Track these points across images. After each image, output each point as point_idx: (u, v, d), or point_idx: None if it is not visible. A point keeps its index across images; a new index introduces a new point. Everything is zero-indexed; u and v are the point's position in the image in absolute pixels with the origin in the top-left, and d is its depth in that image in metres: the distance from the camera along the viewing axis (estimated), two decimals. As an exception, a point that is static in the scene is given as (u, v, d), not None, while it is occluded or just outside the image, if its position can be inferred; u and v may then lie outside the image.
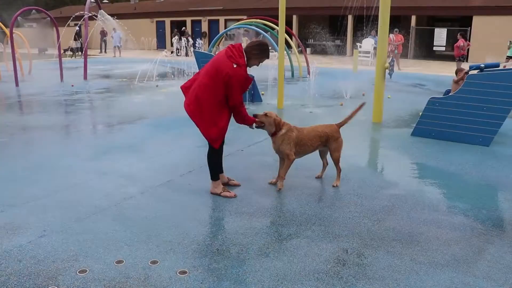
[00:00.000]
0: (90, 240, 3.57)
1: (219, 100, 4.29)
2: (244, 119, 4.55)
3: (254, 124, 4.64)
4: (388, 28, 7.94)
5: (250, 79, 4.47)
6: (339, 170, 5.04)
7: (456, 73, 8.67)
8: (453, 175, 5.38)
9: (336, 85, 12.93)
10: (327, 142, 4.96)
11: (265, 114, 4.70)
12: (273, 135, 4.73)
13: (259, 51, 4.40)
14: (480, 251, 3.50)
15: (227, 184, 4.82)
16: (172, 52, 28.11)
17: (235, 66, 4.20)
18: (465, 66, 16.14)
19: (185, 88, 4.52)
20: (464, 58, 17.22)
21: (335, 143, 4.99)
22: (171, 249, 3.44)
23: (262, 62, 4.53)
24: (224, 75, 4.18)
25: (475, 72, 7.11)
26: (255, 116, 4.66)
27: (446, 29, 26.30)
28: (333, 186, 4.94)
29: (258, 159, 5.89)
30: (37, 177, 5.13)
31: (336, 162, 5.02)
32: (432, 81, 15.16)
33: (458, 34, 17.40)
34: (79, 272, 3.09)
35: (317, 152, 5.13)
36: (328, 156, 5.14)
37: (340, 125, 5.10)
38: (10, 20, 14.45)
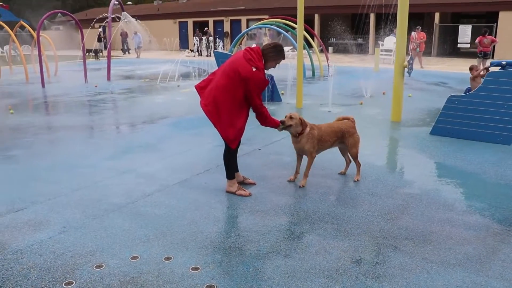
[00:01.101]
0: (107, 236, 3.69)
1: (237, 101, 4.35)
2: (267, 121, 4.60)
3: (280, 126, 4.70)
4: (406, 26, 7.87)
5: (267, 81, 4.53)
6: (358, 165, 5.16)
7: (470, 70, 8.56)
8: (471, 174, 5.33)
9: (357, 84, 12.88)
10: (343, 138, 5.07)
11: (290, 117, 4.76)
12: (299, 135, 4.81)
13: (276, 53, 4.45)
14: (494, 251, 3.47)
15: (243, 183, 4.88)
16: (191, 51, 28.38)
17: (254, 69, 4.25)
18: (482, 63, 15.96)
19: (200, 88, 4.59)
20: (483, 54, 16.73)
21: (352, 139, 5.10)
22: (184, 246, 3.52)
23: (278, 63, 4.58)
24: (244, 78, 4.24)
25: (496, 69, 7.01)
26: (282, 122, 4.71)
27: (471, 26, 25.81)
28: (354, 181, 5.08)
29: (274, 158, 5.93)
30: (59, 175, 5.29)
31: (355, 157, 5.15)
32: (454, 79, 14.94)
33: (483, 30, 17.16)
34: (95, 267, 3.20)
35: (332, 150, 5.19)
36: None
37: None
38: (37, 23, 14.84)
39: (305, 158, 5.07)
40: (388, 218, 4.04)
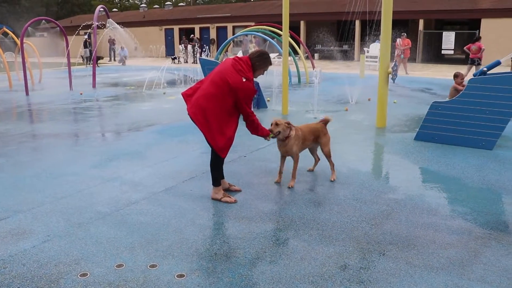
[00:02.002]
0: (92, 244, 3.67)
1: (226, 109, 4.36)
2: (258, 130, 4.65)
3: (270, 135, 4.79)
4: (390, 33, 7.98)
5: (256, 90, 4.57)
6: (332, 164, 5.42)
7: (454, 77, 8.63)
8: (454, 179, 5.40)
9: (342, 90, 12.99)
10: (318, 138, 5.36)
11: (276, 124, 4.86)
12: (286, 138, 4.97)
13: (263, 61, 4.48)
14: (477, 255, 3.53)
15: (228, 190, 4.89)
16: (173, 59, 28.29)
17: (244, 80, 4.28)
18: (470, 70, 16.19)
19: (186, 96, 4.59)
20: (471, 61, 16.74)
21: (325, 138, 5.43)
22: (170, 253, 3.51)
23: (266, 70, 4.61)
24: (234, 88, 4.26)
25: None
26: (271, 131, 4.82)
27: (454, 33, 26.21)
28: (331, 180, 5.28)
29: (260, 165, 5.95)
30: (43, 183, 5.25)
31: (328, 155, 5.43)
32: (439, 85, 15.14)
33: (474, 38, 17.33)
34: (80, 276, 3.18)
35: (323, 156, 5.37)
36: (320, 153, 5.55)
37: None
38: (21, 30, 14.73)
39: (289, 160, 5.23)
40: (373, 224, 4.08)
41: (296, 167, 5.12)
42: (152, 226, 4.02)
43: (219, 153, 4.47)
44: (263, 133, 4.72)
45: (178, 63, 27.76)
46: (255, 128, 4.63)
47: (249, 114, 4.49)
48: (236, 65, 4.36)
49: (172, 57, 30.36)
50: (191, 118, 4.43)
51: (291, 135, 4.98)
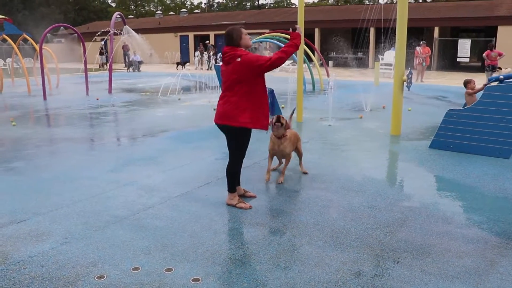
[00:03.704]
0: (108, 247, 3.72)
1: (249, 88, 4.38)
2: (289, 49, 4.38)
3: (273, 123, 5.19)
4: (405, 41, 7.97)
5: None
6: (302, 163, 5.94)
7: (465, 84, 8.59)
8: (469, 187, 5.37)
9: (357, 98, 12.97)
10: (297, 142, 5.78)
11: (280, 118, 5.25)
12: (282, 137, 5.29)
13: (234, 34, 4.43)
14: (493, 264, 3.50)
15: (243, 196, 4.92)
16: (178, 64, 28.30)
17: (239, 60, 4.32)
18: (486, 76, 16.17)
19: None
20: (491, 68, 16.93)
21: (300, 142, 5.91)
22: (185, 257, 3.55)
23: (247, 35, 4.51)
24: (245, 69, 4.29)
25: (494, 84, 7.07)
26: (278, 119, 5.20)
27: (470, 40, 26.02)
28: (305, 173, 5.80)
29: (273, 172, 5.97)
30: (61, 187, 5.34)
31: (301, 156, 5.95)
32: (454, 93, 15.03)
33: (488, 45, 17.46)
34: (97, 278, 3.23)
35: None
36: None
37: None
38: (40, 36, 15.00)
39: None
40: (387, 231, 4.07)
41: (287, 165, 5.56)
42: (168, 230, 4.07)
43: (265, 127, 4.52)
44: (297, 40, 4.47)
45: (182, 68, 27.72)
46: (288, 50, 4.37)
47: (273, 60, 4.31)
48: (225, 58, 4.43)
49: (177, 62, 30.43)
50: (223, 123, 4.47)
51: (287, 135, 5.35)
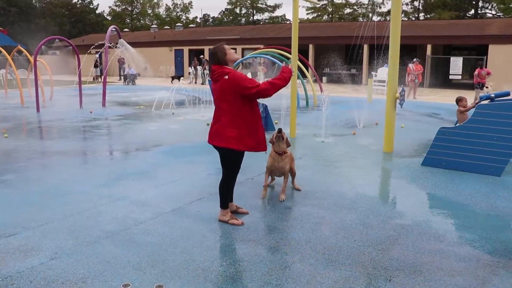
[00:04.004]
0: (99, 263, 3.69)
1: (237, 107, 4.36)
2: (277, 83, 4.36)
3: (274, 135, 5.25)
4: (398, 58, 8.05)
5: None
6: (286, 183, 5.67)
7: (457, 102, 8.69)
8: (461, 205, 5.38)
9: (350, 114, 13.04)
10: (291, 160, 5.68)
11: (280, 131, 5.30)
12: (283, 153, 5.28)
13: (216, 53, 4.44)
14: (485, 283, 3.50)
15: (236, 212, 4.91)
16: (173, 78, 28.34)
17: (226, 77, 4.33)
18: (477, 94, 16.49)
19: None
20: (481, 85, 17.43)
21: (293, 162, 5.85)
22: (176, 274, 3.52)
23: (230, 50, 4.51)
24: (231, 88, 4.30)
25: (486, 102, 7.15)
26: (279, 131, 5.26)
27: (462, 58, 26.34)
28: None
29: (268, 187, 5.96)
30: (52, 201, 5.30)
31: (294, 175, 5.91)
32: (446, 110, 15.14)
33: (477, 63, 17.98)
34: (86, 295, 3.19)
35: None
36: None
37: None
38: (34, 48, 15.00)
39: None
40: (379, 249, 4.07)
41: (286, 182, 5.51)
42: (159, 247, 4.04)
43: (263, 148, 4.54)
44: (287, 74, 4.44)
45: (172, 82, 27.64)
46: (277, 84, 4.36)
47: (260, 88, 4.30)
48: (214, 76, 4.44)
49: (171, 76, 30.38)
50: (216, 145, 4.49)
51: (288, 151, 5.37)
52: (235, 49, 35.34)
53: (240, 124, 4.38)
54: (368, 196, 5.69)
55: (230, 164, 4.59)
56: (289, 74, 4.48)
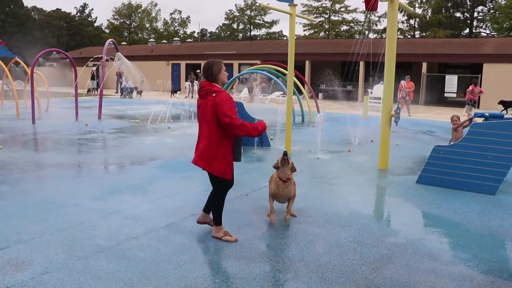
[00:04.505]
0: (90, 278, 3.65)
1: (215, 132, 4.37)
2: (248, 128, 4.31)
3: (280, 158, 4.89)
4: (393, 76, 8.12)
5: (232, 99, 4.50)
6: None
7: (452, 120, 8.75)
8: (455, 223, 5.38)
9: (345, 131, 13.07)
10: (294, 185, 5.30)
11: (287, 158, 4.97)
12: (287, 180, 4.99)
13: (213, 67, 4.47)
14: (478, 303, 3.49)
15: (207, 223, 4.85)
16: (173, 93, 28.39)
17: (214, 95, 4.33)
18: (471, 110, 16.79)
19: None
20: (473, 102, 17.87)
21: (295, 186, 5.32)
22: (168, 291, 3.49)
23: (225, 71, 4.55)
24: (212, 107, 4.29)
25: (480, 120, 7.21)
26: (285, 154, 4.96)
27: (456, 76, 26.59)
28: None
29: (262, 204, 5.94)
30: (45, 214, 5.26)
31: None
32: (441, 128, 15.23)
33: (472, 81, 18.54)
34: (77, 311, 3.15)
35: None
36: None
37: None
38: (32, 59, 15.03)
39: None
40: (373, 267, 4.05)
41: (292, 204, 5.18)
42: (151, 262, 4.01)
43: (224, 176, 4.45)
44: (261, 127, 4.41)
45: (172, 96, 27.70)
46: (244, 128, 4.28)
47: (231, 119, 4.24)
48: (201, 92, 4.45)
49: (173, 90, 30.42)
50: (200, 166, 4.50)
51: (292, 178, 5.09)
52: (231, 64, 35.58)
53: (213, 147, 4.39)
54: (363, 214, 5.68)
55: (218, 183, 4.59)
56: (262, 128, 4.42)
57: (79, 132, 12.41)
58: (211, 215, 4.84)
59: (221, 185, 4.59)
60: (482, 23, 55.27)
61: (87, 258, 4.05)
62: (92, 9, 74.44)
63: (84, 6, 72.87)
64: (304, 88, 19.05)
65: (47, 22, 64.75)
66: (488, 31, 54.60)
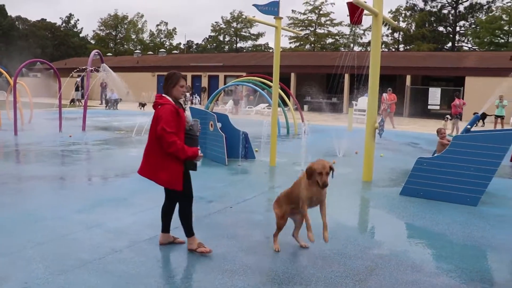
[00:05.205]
0: (70, 294, 3.58)
1: (155, 140, 4.39)
2: (178, 148, 4.23)
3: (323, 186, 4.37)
4: (377, 88, 8.21)
5: (182, 113, 4.48)
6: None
7: (438, 132, 8.89)
8: (438, 235, 5.42)
9: (330, 143, 13.14)
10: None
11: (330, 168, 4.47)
12: (325, 186, 4.47)
13: (169, 79, 4.53)
14: (461, 315, 3.50)
15: (173, 243, 4.80)
16: (140, 105, 28.05)
17: (159, 107, 4.38)
18: (460, 124, 16.95)
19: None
20: (457, 116, 18.09)
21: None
22: (150, 305, 3.44)
23: (183, 87, 4.55)
24: (156, 119, 4.35)
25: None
26: (324, 184, 4.41)
27: (440, 89, 27.02)
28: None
29: (245, 217, 5.92)
30: (25, 227, 5.16)
31: None
32: (425, 140, 15.41)
33: (454, 94, 18.74)
34: (56, 327, 3.09)
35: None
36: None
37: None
38: (15, 70, 14.88)
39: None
40: (357, 279, 4.05)
41: (325, 210, 4.66)
42: (134, 276, 3.95)
43: (174, 187, 4.40)
44: (191, 153, 4.32)
45: (140, 109, 27.37)
46: (176, 149, 4.23)
47: (164, 132, 4.20)
48: (154, 104, 4.50)
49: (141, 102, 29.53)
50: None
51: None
52: (217, 76, 35.67)
53: (158, 156, 4.40)
54: (347, 225, 5.69)
55: (175, 196, 4.60)
56: (191, 154, 4.33)
57: (62, 144, 12.27)
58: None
59: (179, 198, 4.58)
60: (464, 37, 56.35)
61: (68, 273, 3.98)
62: (78, 20, 73.74)
63: (70, 16, 72.54)
64: (289, 100, 19.14)
65: (32, 32, 64.22)
66: (469, 45, 55.68)
